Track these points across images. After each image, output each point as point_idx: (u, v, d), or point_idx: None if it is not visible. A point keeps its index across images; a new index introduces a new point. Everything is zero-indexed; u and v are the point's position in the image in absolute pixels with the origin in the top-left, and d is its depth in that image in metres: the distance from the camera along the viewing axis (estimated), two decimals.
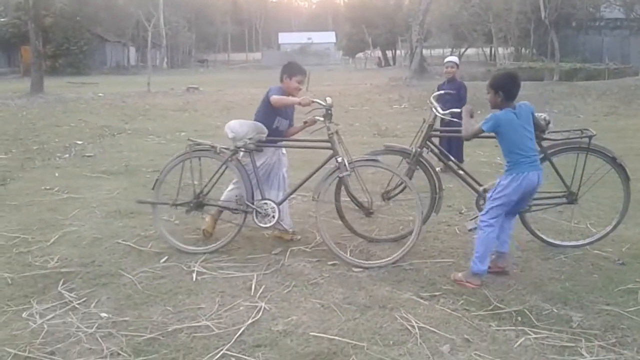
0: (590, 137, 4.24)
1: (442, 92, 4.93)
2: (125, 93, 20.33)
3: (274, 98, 4.43)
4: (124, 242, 4.63)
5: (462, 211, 5.41)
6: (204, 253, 4.38)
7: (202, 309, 3.45)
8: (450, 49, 50.85)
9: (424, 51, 30.04)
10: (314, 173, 4.48)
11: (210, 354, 2.94)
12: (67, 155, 8.85)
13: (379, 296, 3.62)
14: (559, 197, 4.43)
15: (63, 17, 39.26)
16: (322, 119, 4.29)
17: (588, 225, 4.91)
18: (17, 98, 19.18)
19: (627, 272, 3.97)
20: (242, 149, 4.42)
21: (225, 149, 4.45)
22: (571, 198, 4.38)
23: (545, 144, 4.29)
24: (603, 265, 4.11)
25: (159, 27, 31.56)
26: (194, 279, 3.91)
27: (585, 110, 15.42)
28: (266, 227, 4.48)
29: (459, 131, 4.07)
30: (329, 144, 4.31)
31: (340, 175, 4.23)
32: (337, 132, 4.29)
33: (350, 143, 10.43)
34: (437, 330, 3.17)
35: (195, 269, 4.07)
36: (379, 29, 49.04)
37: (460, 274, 3.84)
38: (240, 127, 4.41)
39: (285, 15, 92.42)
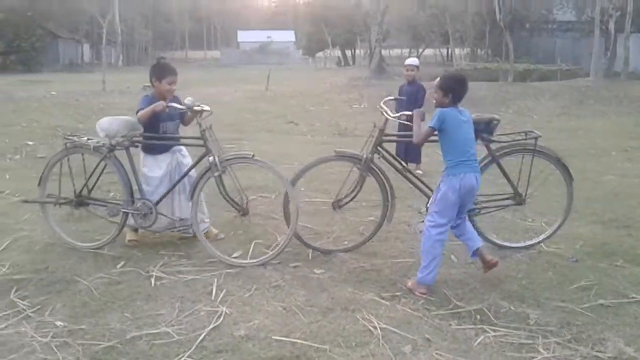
0: (535, 139, 4.30)
1: (391, 98, 4.72)
2: (79, 91, 19.75)
3: (139, 116, 4.37)
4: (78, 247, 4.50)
5: (422, 211, 5.45)
6: (92, 249, 4.43)
7: (162, 315, 3.39)
8: (408, 49, 51.50)
9: (383, 51, 30.25)
10: (187, 172, 4.45)
11: None
12: (18, 157, 8.56)
13: (341, 298, 3.62)
14: (506, 198, 4.44)
15: (13, 12, 37.93)
16: (201, 108, 4.26)
17: (543, 224, 5.02)
18: None
19: (581, 269, 4.08)
20: (118, 147, 4.41)
21: (102, 146, 4.43)
22: (519, 199, 4.40)
23: (492, 146, 4.30)
24: (557, 262, 4.22)
25: (114, 23, 30.73)
26: (153, 284, 3.83)
27: (539, 111, 15.85)
28: (146, 228, 4.47)
29: (410, 136, 4.00)
30: (201, 142, 4.25)
31: (213, 175, 4.19)
32: (210, 129, 4.23)
33: (311, 143, 10.52)
34: (398, 331, 3.19)
35: (154, 273, 3.98)
36: (338, 29, 49.20)
37: (410, 282, 3.82)
38: (110, 125, 4.38)
39: (244, 13, 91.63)
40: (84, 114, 14.21)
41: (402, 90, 7.72)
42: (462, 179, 3.69)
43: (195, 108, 4.23)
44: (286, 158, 8.60)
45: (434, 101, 3.85)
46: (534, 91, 19.69)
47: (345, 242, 4.65)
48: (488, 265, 3.88)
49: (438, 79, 3.86)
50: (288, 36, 71.20)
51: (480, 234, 4.36)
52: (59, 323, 3.28)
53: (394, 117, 4.34)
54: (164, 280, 3.90)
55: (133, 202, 4.42)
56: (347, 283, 3.86)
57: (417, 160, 7.43)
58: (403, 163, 4.52)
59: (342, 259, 4.32)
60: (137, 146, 4.52)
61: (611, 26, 24.92)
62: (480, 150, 4.03)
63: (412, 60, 7.90)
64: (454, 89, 3.75)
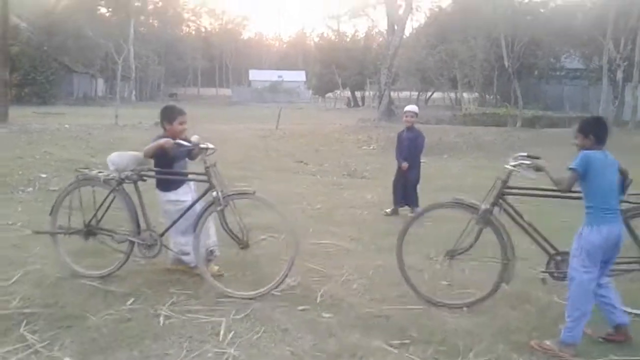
0: None
1: (524, 154, 4.40)
2: (92, 125, 20.05)
3: (145, 150, 4.59)
4: (89, 283, 4.53)
5: (431, 256, 5.46)
6: (100, 277, 4.58)
7: (169, 355, 3.39)
8: (417, 93, 52.06)
9: (392, 94, 30.66)
10: (191, 206, 4.55)
11: None
12: (31, 189, 8.65)
13: (349, 344, 3.60)
14: (634, 262, 4.14)
15: (30, 46, 38.78)
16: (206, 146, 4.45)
17: None
18: None
19: (593, 322, 4.04)
20: (127, 180, 4.60)
21: (111, 179, 4.61)
22: None
23: (623, 206, 3.86)
24: None
25: (128, 59, 31.47)
26: (161, 323, 3.84)
27: (550, 157, 15.84)
28: (151, 258, 4.66)
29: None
30: (206, 177, 4.41)
31: (216, 209, 4.32)
32: (214, 165, 4.40)
33: (320, 183, 10.58)
34: None
35: (163, 312, 3.99)
36: (348, 71, 50.01)
37: (549, 342, 3.60)
38: (120, 159, 4.64)
39: (256, 53, 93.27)
40: (96, 148, 14.37)
41: (401, 136, 7.88)
42: (607, 230, 3.51)
43: (201, 146, 4.44)
44: (294, 197, 8.66)
45: (576, 146, 3.80)
46: (544, 137, 19.77)
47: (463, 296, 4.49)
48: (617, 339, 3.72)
49: (576, 125, 3.84)
50: (299, 76, 72.31)
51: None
52: (67, 359, 3.29)
53: (512, 167, 4.13)
54: (173, 319, 3.90)
55: (139, 232, 4.58)
56: (355, 328, 3.85)
57: (414, 203, 7.48)
58: (525, 218, 4.23)
59: (350, 303, 4.31)
60: (144, 180, 4.70)
61: (619, 75, 25.21)
62: None
63: (411, 108, 8.11)
64: (593, 130, 3.71)
